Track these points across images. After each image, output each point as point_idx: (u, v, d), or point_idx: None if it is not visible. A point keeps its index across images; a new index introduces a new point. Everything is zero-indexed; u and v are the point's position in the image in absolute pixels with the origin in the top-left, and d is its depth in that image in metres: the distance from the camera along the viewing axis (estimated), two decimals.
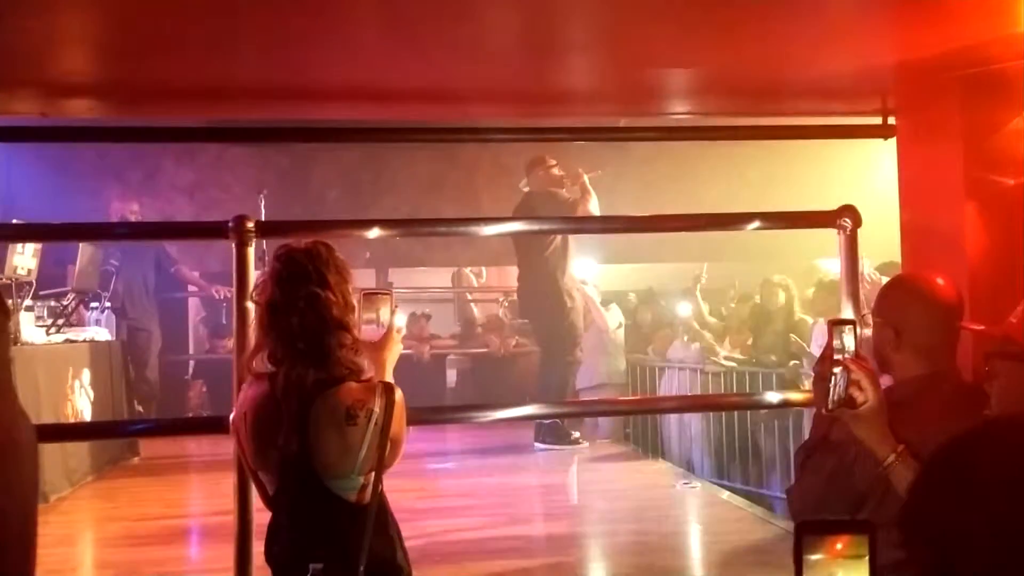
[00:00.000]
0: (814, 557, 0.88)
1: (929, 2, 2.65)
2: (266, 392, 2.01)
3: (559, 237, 5.67)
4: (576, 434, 5.74)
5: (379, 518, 1.96)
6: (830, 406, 1.75)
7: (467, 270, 9.01)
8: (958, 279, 2.50)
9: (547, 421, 5.41)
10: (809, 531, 0.90)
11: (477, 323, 8.42)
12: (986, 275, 3.07)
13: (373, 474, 1.93)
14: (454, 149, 8.45)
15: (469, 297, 9.04)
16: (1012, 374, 1.58)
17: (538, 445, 5.60)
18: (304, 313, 1.96)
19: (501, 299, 9.07)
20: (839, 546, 0.88)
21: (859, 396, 1.81)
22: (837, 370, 1.73)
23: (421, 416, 3.45)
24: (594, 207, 5.68)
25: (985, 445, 0.75)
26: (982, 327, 1.95)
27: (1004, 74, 3.02)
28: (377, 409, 1.93)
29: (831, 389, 1.74)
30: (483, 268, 9.21)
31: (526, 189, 5.94)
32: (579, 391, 6.25)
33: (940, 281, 2.18)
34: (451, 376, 8.00)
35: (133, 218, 6.10)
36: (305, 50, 3.13)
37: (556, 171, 5.83)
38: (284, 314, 1.97)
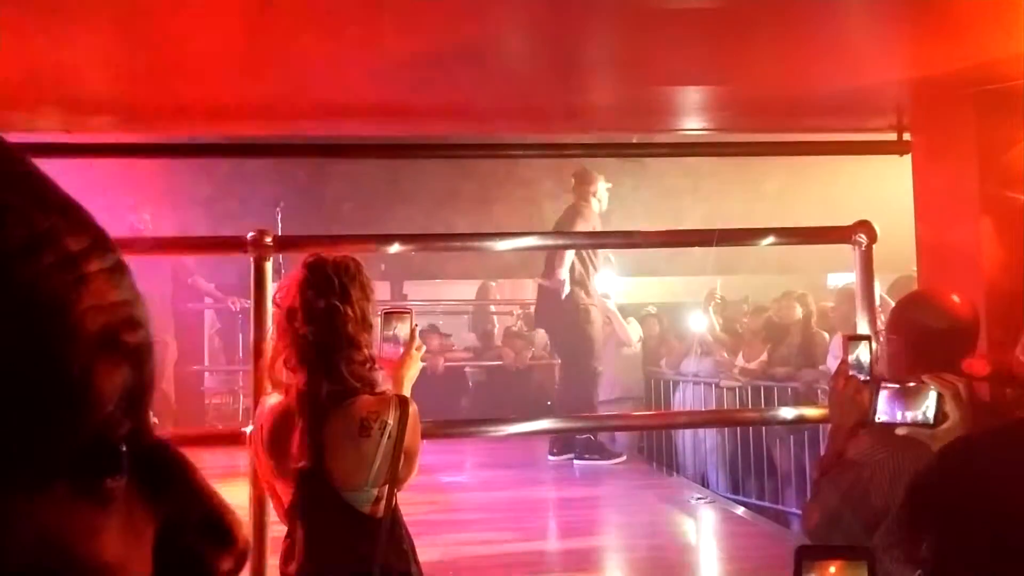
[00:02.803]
0: None
1: (944, 20, 2.66)
2: (283, 404, 2.04)
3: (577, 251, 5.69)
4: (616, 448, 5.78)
5: (393, 531, 1.98)
6: (882, 419, 1.58)
7: (493, 284, 9.05)
8: (974, 295, 2.50)
9: (581, 436, 5.45)
10: (808, 556, 0.91)
11: (494, 336, 8.43)
12: (1002, 291, 3.06)
13: (387, 487, 1.95)
14: (469, 163, 8.50)
15: (493, 310, 9.05)
16: None
17: (577, 462, 5.61)
18: (320, 324, 1.99)
19: (517, 311, 9.08)
20: (832, 570, 0.89)
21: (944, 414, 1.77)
22: (911, 384, 1.56)
23: (435, 430, 3.48)
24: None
25: (983, 453, 0.78)
26: (986, 370, 1.94)
27: (1019, 91, 3.02)
28: (391, 421, 1.95)
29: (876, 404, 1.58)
30: (493, 281, 9.24)
31: (573, 202, 5.99)
32: (599, 404, 6.25)
33: (955, 298, 2.18)
34: (466, 389, 8.01)
35: (144, 227, 6.14)
36: (323, 70, 3.18)
37: (592, 188, 5.87)
38: (301, 322, 2.00)
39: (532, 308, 8.60)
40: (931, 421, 1.47)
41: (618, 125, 4.49)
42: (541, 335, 7.60)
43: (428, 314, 8.94)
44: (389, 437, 1.94)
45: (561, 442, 5.62)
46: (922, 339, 2.12)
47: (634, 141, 5.00)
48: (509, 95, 3.62)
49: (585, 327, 5.70)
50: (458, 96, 3.59)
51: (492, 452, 5.81)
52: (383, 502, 1.94)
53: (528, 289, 9.01)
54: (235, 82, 3.41)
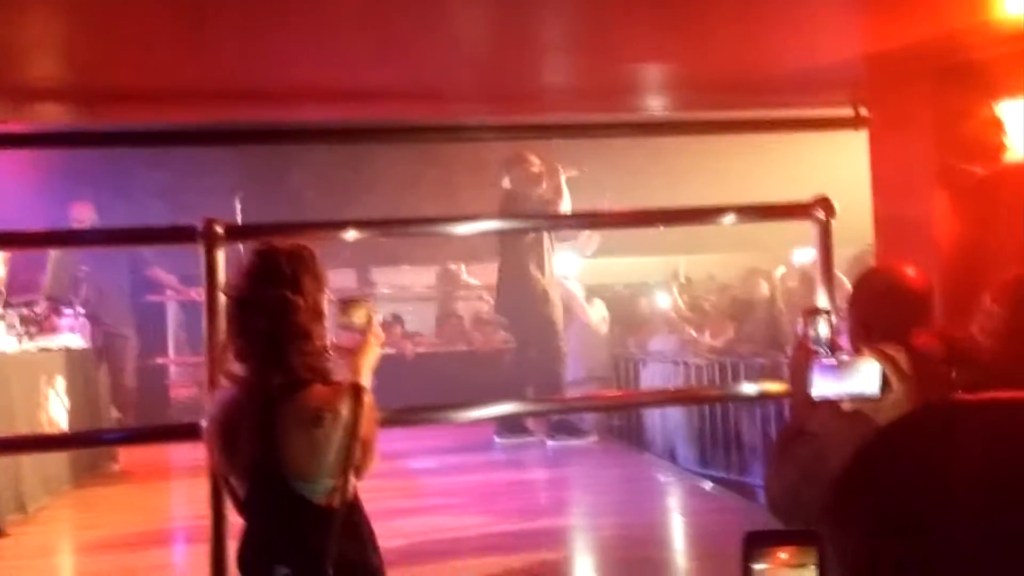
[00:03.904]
0: (760, 567, 0.87)
1: None
2: (234, 396, 2.00)
3: (534, 235, 5.63)
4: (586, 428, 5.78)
5: (351, 521, 1.95)
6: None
7: (452, 266, 8.98)
8: (929, 268, 2.52)
9: (555, 417, 5.43)
10: (756, 543, 0.89)
11: (464, 321, 8.40)
12: (956, 263, 3.10)
13: (342, 478, 1.92)
14: (433, 147, 8.42)
15: (458, 295, 9.01)
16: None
17: (551, 443, 5.60)
18: (270, 315, 1.95)
19: (485, 296, 9.05)
20: (783, 556, 0.87)
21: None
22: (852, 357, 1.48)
23: (402, 417, 3.44)
24: (567, 207, 5.67)
25: (919, 431, 0.76)
26: (933, 346, 1.95)
27: (974, 64, 3.04)
28: (344, 411, 1.91)
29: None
30: (462, 265, 9.19)
31: (507, 187, 5.91)
32: (567, 385, 6.25)
33: (908, 271, 2.20)
34: (435, 375, 7.98)
35: (88, 223, 5.97)
36: (280, 51, 3.11)
37: (534, 169, 5.80)
38: (251, 312, 1.96)
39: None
40: (876, 394, 1.45)
41: (580, 106, 4.47)
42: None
43: (399, 301, 8.88)
44: (343, 427, 1.91)
45: (508, 424, 5.58)
46: (873, 312, 2.13)
47: (596, 122, 4.98)
48: (470, 77, 3.58)
49: (546, 309, 5.68)
50: (419, 79, 3.55)
51: (462, 436, 5.79)
52: (338, 493, 1.91)
53: (495, 273, 8.98)
54: (186, 67, 3.33)
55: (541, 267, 5.70)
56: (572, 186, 5.87)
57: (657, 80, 3.78)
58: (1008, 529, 0.66)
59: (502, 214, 5.58)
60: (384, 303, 8.76)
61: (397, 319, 7.94)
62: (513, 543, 3.79)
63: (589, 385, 6.61)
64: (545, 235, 5.71)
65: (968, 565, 0.67)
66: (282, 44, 3.03)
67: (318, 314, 2.00)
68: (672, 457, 6.26)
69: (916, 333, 2.02)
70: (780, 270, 6.52)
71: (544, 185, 5.77)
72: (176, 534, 4.09)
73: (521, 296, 5.69)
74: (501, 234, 5.61)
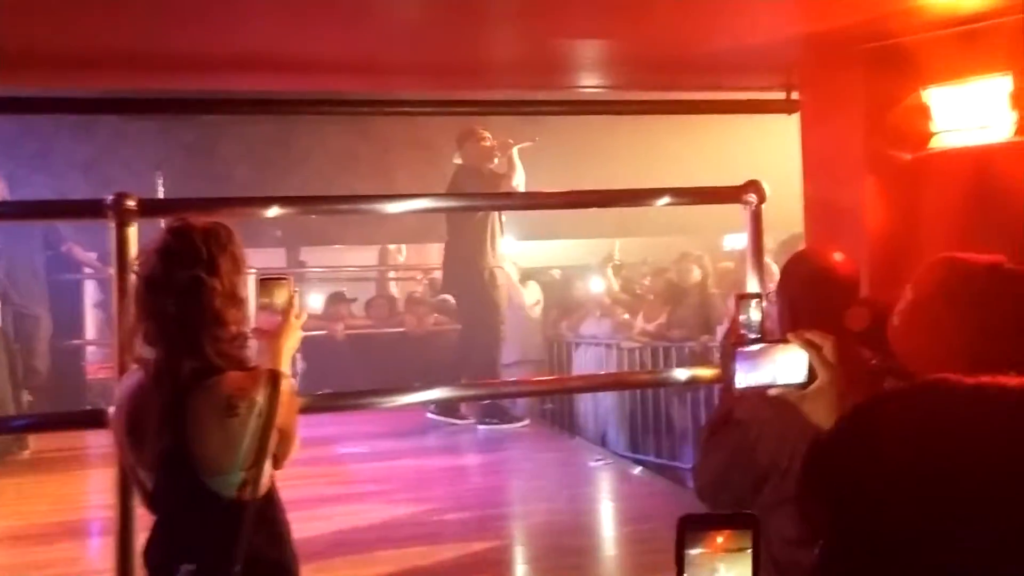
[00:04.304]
0: (695, 552, 0.85)
1: None
2: (141, 383, 1.87)
3: (482, 212, 5.52)
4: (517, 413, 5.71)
5: (265, 514, 1.85)
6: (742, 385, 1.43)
7: (391, 247, 8.82)
8: (858, 253, 2.51)
9: (486, 401, 5.34)
10: (690, 526, 0.86)
11: (396, 301, 8.26)
12: (884, 248, 3.11)
13: (255, 469, 1.81)
14: (367, 124, 8.24)
15: (391, 276, 8.85)
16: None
17: (481, 427, 5.52)
18: (182, 297, 1.82)
19: (420, 277, 8.92)
20: (720, 540, 0.86)
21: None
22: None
23: (331, 402, 3.33)
24: (520, 182, 5.54)
25: (889, 411, 0.75)
26: (865, 321, 1.93)
27: (904, 48, 3.04)
28: (260, 399, 1.80)
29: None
30: (403, 246, 9.04)
31: (458, 162, 5.78)
32: (501, 368, 6.19)
33: (836, 256, 2.17)
34: (367, 357, 7.83)
35: None
36: (198, 14, 2.93)
37: (486, 144, 5.66)
38: (162, 293, 1.83)
39: (435, 273, 8.47)
40: (802, 381, 1.41)
41: (516, 82, 4.39)
42: (448, 300, 7.47)
43: (331, 281, 8.68)
44: (259, 416, 1.80)
45: (442, 405, 5.51)
46: (800, 297, 2.11)
47: (532, 99, 4.89)
48: (402, 47, 3.45)
49: (491, 291, 5.59)
50: (353, 50, 3.41)
51: (392, 421, 5.68)
52: (250, 485, 1.80)
53: (432, 254, 8.85)
54: (105, 30, 3.12)
55: (489, 248, 5.57)
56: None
57: (593, 57, 3.72)
58: (979, 512, 0.65)
59: (454, 190, 5.45)
60: (315, 284, 8.57)
61: (342, 298, 7.76)
62: (442, 531, 3.72)
63: (523, 368, 6.57)
64: (495, 216, 5.59)
65: (934, 543, 0.66)
66: (210, 8, 2.86)
67: (235, 298, 1.87)
68: (603, 441, 6.26)
69: (850, 310, 2.00)
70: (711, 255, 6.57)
71: (496, 160, 5.65)
72: (85, 526, 3.91)
73: (468, 277, 5.56)
74: (449, 213, 5.47)
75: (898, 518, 0.67)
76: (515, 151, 5.59)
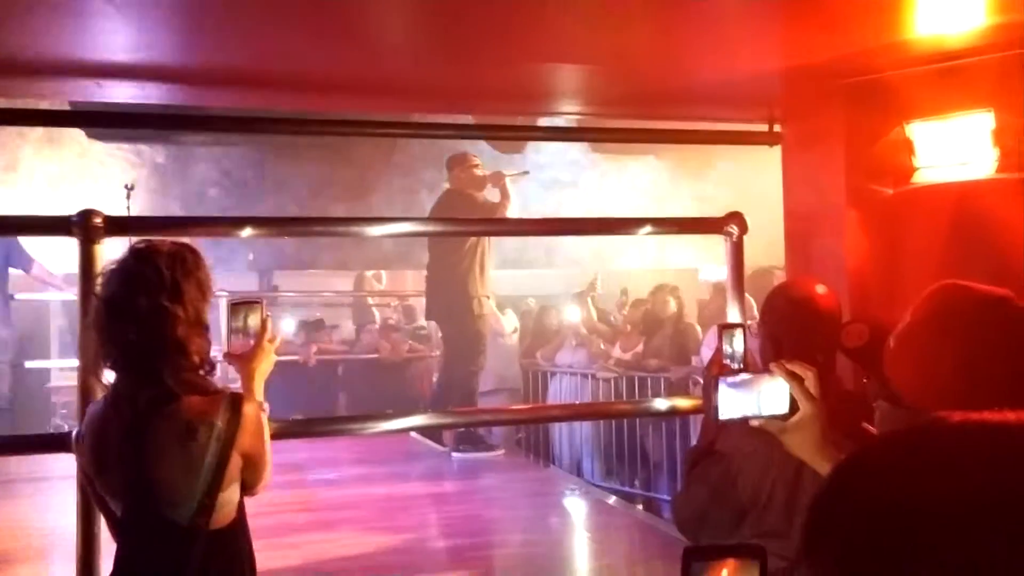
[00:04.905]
0: None
1: (817, 9, 2.66)
2: (104, 410, 1.82)
3: (474, 240, 5.44)
4: (493, 441, 5.63)
5: (229, 543, 1.79)
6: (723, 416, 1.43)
7: (369, 274, 8.74)
8: (838, 287, 2.51)
9: (461, 428, 5.26)
10: (697, 557, 0.83)
11: (370, 328, 8.18)
12: (865, 283, 3.11)
13: (215, 496, 1.74)
14: (344, 147, 8.21)
15: (371, 302, 8.74)
16: (890, 415, 1.54)
17: (456, 455, 5.43)
18: (144, 324, 1.76)
19: (394, 303, 8.85)
20: (725, 572, 0.84)
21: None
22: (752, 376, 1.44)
23: (304, 428, 3.25)
24: (513, 212, 5.51)
25: (892, 457, 0.71)
26: (864, 336, 1.92)
27: (886, 83, 3.07)
28: (220, 423, 1.74)
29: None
30: (383, 272, 8.96)
31: (446, 186, 5.73)
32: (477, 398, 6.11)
33: (820, 289, 2.17)
34: (341, 383, 7.73)
35: None
36: (178, 27, 2.89)
37: (478, 172, 5.62)
38: (123, 319, 1.76)
39: (410, 300, 8.39)
40: (784, 412, 1.39)
41: (497, 107, 4.37)
42: (426, 327, 7.37)
43: (305, 306, 8.60)
44: (217, 440, 1.73)
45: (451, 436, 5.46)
46: (782, 329, 2.10)
47: (511, 124, 4.88)
48: (383, 71, 3.43)
49: (478, 320, 5.51)
50: (331, 72, 3.38)
51: (366, 447, 5.59)
52: (208, 513, 1.74)
53: (408, 281, 8.79)
54: (62, 34, 3.05)
55: (479, 276, 5.47)
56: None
57: (574, 83, 3.71)
58: (986, 560, 0.61)
59: (442, 214, 5.39)
60: (287, 308, 8.47)
61: (320, 325, 7.65)
62: (415, 562, 3.64)
63: (499, 396, 6.51)
64: (485, 243, 5.50)
65: None
66: (178, 19, 2.81)
67: (199, 324, 1.82)
68: (579, 471, 6.20)
69: (847, 326, 1.98)
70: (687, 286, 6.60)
71: (488, 187, 5.61)
72: (47, 551, 3.78)
73: (455, 305, 5.46)
74: (431, 238, 5.41)
75: (913, 569, 0.64)
76: (508, 180, 5.58)
